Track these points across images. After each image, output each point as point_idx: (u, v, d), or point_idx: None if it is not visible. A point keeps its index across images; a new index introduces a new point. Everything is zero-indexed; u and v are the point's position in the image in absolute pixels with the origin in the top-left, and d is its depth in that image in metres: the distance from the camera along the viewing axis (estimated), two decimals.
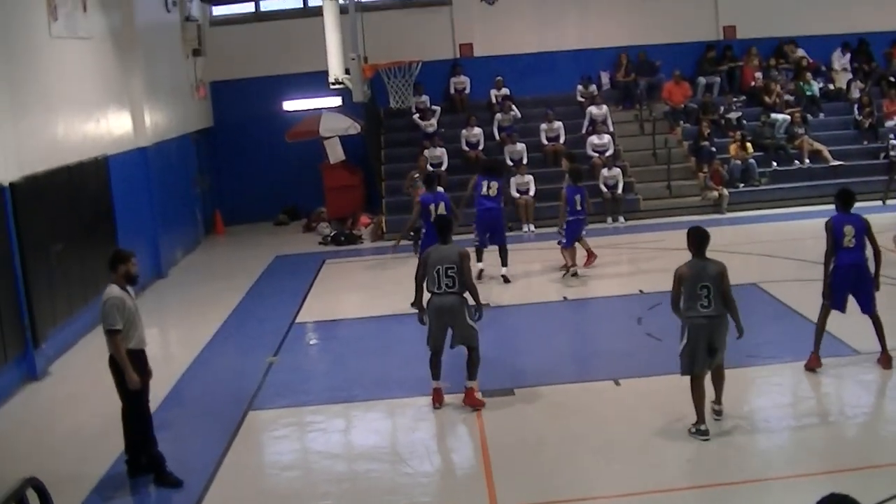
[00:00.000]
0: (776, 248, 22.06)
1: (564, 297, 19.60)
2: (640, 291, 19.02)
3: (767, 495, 10.49)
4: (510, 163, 27.80)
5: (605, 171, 26.84)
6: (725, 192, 26.87)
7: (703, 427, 11.98)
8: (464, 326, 13.43)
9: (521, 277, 21.97)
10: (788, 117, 28.85)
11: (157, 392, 14.68)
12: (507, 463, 11.67)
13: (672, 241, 21.04)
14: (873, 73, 31.27)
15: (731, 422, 12.33)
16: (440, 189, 21.01)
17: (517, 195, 26.72)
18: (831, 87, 31.04)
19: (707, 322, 11.93)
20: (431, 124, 29.57)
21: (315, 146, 29.20)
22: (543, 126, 29.19)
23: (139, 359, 11.80)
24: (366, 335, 18.17)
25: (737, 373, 13.90)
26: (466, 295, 13.44)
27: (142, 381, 11.74)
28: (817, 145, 28.30)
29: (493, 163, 23.35)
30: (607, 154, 27.75)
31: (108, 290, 11.59)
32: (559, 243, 21.13)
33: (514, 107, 30.02)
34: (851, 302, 14.06)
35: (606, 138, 28.33)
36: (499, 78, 31.01)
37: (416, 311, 13.87)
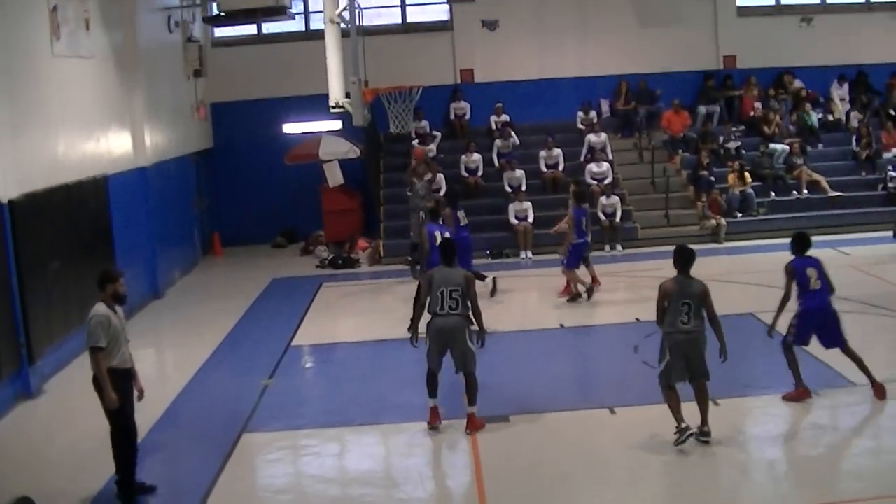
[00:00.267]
0: (773, 279, 21.80)
1: (561, 325, 19.59)
2: (637, 320, 18.98)
3: None
4: (509, 189, 27.84)
5: (603, 199, 26.87)
6: (723, 221, 26.87)
7: (683, 425, 12.40)
8: (464, 348, 13.49)
9: (519, 304, 21.98)
10: (787, 147, 28.90)
11: (152, 413, 14.70)
12: (501, 489, 11.65)
13: (670, 270, 21.03)
14: (871, 104, 31.34)
15: (727, 451, 12.32)
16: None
17: (516, 222, 26.75)
18: (830, 117, 31.08)
19: (685, 337, 12.46)
20: (431, 149, 29.58)
21: (314, 169, 29.22)
22: (543, 153, 29.23)
23: (123, 378, 11.82)
24: (362, 359, 18.15)
25: (733, 402, 13.95)
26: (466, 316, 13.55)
27: (130, 401, 11.73)
28: (816, 176, 28.35)
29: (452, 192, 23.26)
30: (606, 182, 27.79)
31: (95, 308, 11.66)
32: (562, 263, 21.14)
33: (513, 133, 30.06)
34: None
35: (605, 166, 28.36)
36: (499, 104, 31.05)
37: (411, 333, 13.92)
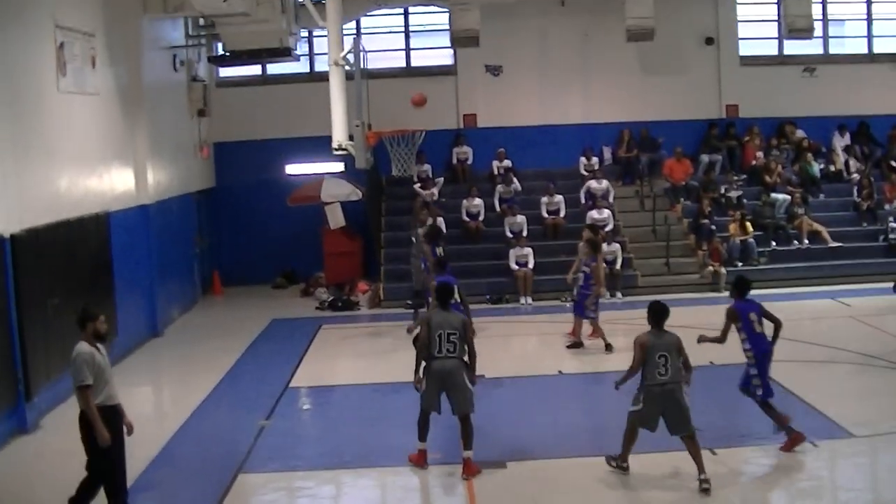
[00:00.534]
0: (772, 328, 21.97)
1: (560, 371, 19.56)
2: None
3: None
4: (510, 235, 27.87)
5: (604, 246, 26.81)
6: (723, 270, 26.82)
7: (625, 465, 13.28)
8: (462, 389, 13.59)
9: (518, 350, 21.96)
10: (788, 197, 28.94)
11: (148, 451, 14.69)
12: None
13: (669, 318, 21.02)
14: (873, 155, 31.41)
15: (723, 500, 12.27)
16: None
17: (516, 267, 26.75)
18: (832, 168, 31.14)
19: (661, 390, 12.87)
20: (432, 193, 29.63)
21: (316, 211, 29.25)
22: (544, 199, 29.25)
23: (111, 415, 11.80)
24: (359, 402, 18.11)
25: (730, 452, 13.91)
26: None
27: (118, 437, 11.72)
28: (817, 226, 28.36)
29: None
30: (607, 229, 27.77)
31: (78, 346, 11.71)
32: (588, 317, 20.97)
33: (515, 179, 30.10)
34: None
35: (606, 213, 28.37)
36: (501, 149, 31.13)
37: (415, 380, 13.91)
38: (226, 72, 30.89)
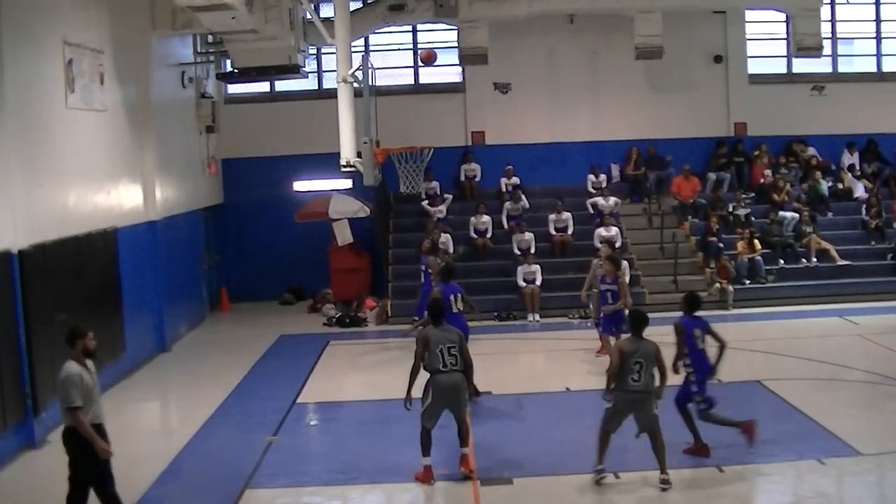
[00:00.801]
0: (781, 346, 21.99)
1: (567, 388, 19.53)
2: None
3: None
4: (518, 252, 27.86)
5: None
6: (730, 287, 26.81)
7: (600, 467, 13.59)
8: (464, 401, 14.14)
9: (525, 367, 21.93)
10: (797, 215, 28.90)
11: (155, 466, 14.72)
12: None
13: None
14: (881, 173, 31.40)
15: None
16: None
17: (524, 284, 26.74)
18: (840, 186, 31.11)
19: (633, 396, 13.41)
20: (440, 210, 29.66)
21: (323, 227, 29.29)
22: (552, 216, 29.25)
23: (97, 433, 11.78)
24: (367, 418, 18.07)
25: (738, 470, 13.88)
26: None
27: (97, 457, 11.76)
28: (825, 244, 28.33)
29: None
30: (616, 246, 27.74)
31: (67, 366, 11.66)
32: (615, 333, 20.69)
33: (523, 196, 30.11)
34: None
35: (614, 230, 28.33)
36: (509, 167, 31.16)
37: (406, 398, 14.11)
38: (234, 88, 30.93)
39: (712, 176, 31.05)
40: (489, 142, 31.89)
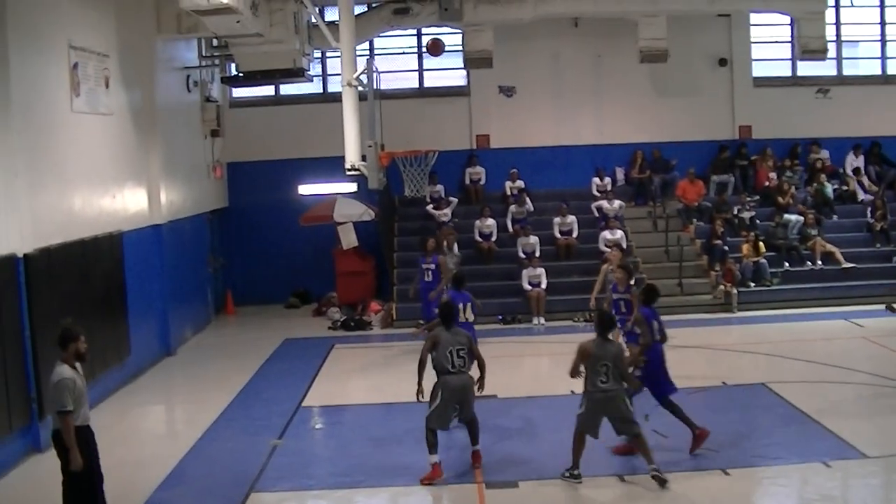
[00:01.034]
0: (785, 349, 21.98)
1: (572, 391, 19.43)
2: (647, 389, 18.90)
3: None
4: (522, 255, 27.86)
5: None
6: (734, 290, 26.80)
7: (576, 472, 13.87)
8: (472, 401, 14.45)
9: (530, 370, 21.92)
10: (801, 218, 28.88)
11: (160, 470, 14.73)
12: None
13: (682, 339, 20.97)
14: (886, 176, 31.37)
15: None
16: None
17: (529, 288, 26.74)
18: (845, 188, 31.09)
19: (603, 396, 13.71)
20: (445, 214, 29.67)
21: (328, 231, 29.31)
22: (557, 220, 29.26)
23: (86, 434, 11.89)
24: (372, 422, 18.08)
25: (742, 473, 13.88)
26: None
27: (94, 457, 11.88)
28: (830, 247, 28.30)
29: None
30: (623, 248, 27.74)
31: (59, 369, 11.71)
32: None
33: (528, 199, 30.10)
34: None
35: (619, 233, 28.35)
36: (514, 170, 31.18)
37: (417, 390, 14.49)
38: (239, 92, 30.98)
39: (715, 179, 31.03)
40: (494, 145, 31.90)
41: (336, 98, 21.08)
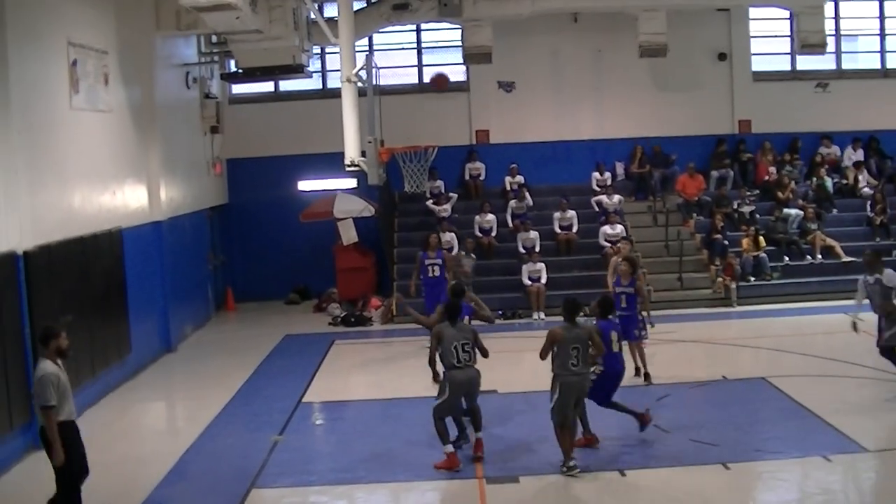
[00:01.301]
0: (786, 343, 21.98)
1: None
2: (648, 383, 18.93)
3: None
4: (522, 250, 27.86)
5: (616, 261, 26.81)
6: (733, 285, 26.80)
7: (571, 464, 13.92)
8: (478, 393, 14.81)
9: (530, 365, 21.92)
10: (801, 212, 28.87)
11: (161, 467, 14.74)
12: None
13: (682, 333, 21.00)
14: (886, 170, 31.36)
15: None
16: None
17: (529, 283, 26.75)
18: (845, 182, 31.08)
19: (576, 379, 14.02)
20: (445, 209, 29.66)
21: (328, 227, 29.31)
22: (557, 215, 29.26)
23: (72, 430, 12.05)
24: (372, 417, 18.09)
25: (743, 467, 13.89)
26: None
27: (79, 452, 12.04)
28: (830, 241, 28.28)
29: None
30: (619, 244, 27.70)
31: (42, 365, 11.87)
32: (639, 339, 19.70)
33: (528, 194, 30.09)
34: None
35: (619, 228, 28.34)
36: (514, 165, 31.17)
37: (433, 376, 15.25)
38: (238, 88, 30.94)
39: (714, 173, 31.02)
40: (493, 140, 31.89)
41: (335, 94, 21.08)
